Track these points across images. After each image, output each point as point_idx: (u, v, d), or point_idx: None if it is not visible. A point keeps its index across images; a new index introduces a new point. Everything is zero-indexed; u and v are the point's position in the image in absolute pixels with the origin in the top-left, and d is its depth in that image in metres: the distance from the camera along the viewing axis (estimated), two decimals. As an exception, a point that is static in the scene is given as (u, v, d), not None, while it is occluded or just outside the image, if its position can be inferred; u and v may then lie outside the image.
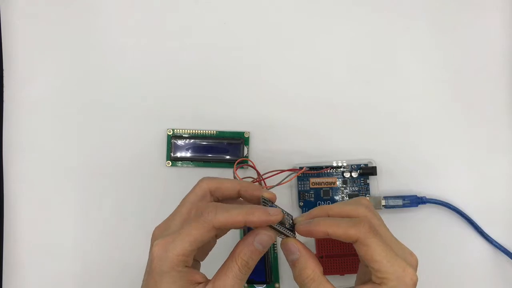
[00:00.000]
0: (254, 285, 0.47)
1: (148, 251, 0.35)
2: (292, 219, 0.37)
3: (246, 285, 0.47)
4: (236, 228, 0.35)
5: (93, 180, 0.50)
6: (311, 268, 0.35)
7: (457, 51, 0.49)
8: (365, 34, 0.50)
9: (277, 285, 0.47)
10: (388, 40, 0.50)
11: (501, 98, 0.49)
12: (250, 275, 0.47)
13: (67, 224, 0.49)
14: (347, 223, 0.34)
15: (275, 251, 0.47)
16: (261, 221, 0.34)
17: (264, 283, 0.47)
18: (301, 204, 0.48)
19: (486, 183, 0.48)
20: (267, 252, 0.46)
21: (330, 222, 0.35)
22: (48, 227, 0.49)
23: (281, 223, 0.35)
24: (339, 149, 0.49)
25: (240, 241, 0.35)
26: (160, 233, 0.36)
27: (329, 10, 0.50)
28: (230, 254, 0.35)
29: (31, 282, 0.49)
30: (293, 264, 0.36)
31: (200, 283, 0.34)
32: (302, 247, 0.35)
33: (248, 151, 0.48)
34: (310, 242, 0.47)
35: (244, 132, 0.48)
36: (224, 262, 0.35)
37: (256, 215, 0.34)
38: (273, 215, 0.34)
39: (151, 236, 0.36)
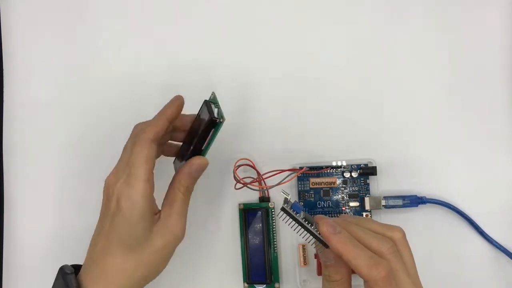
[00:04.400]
0: (254, 285, 0.47)
1: None
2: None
3: (246, 285, 0.47)
4: (164, 132, 0.39)
5: (93, 180, 0.49)
6: (340, 274, 0.36)
7: (457, 51, 0.49)
8: (365, 34, 0.50)
9: (277, 285, 0.47)
10: (388, 40, 0.50)
11: (502, 98, 0.49)
12: (251, 275, 0.47)
13: (67, 225, 0.49)
14: (367, 259, 0.33)
15: (275, 251, 0.47)
16: (175, 108, 0.40)
17: (264, 283, 0.47)
18: (301, 204, 0.48)
19: (486, 183, 0.48)
20: (267, 252, 0.47)
21: (351, 247, 0.34)
22: (48, 227, 0.49)
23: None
24: (339, 149, 0.49)
25: (176, 172, 0.40)
26: (115, 178, 0.38)
27: (328, 11, 0.50)
28: (170, 185, 0.40)
29: (31, 282, 0.49)
30: (325, 265, 0.37)
31: (156, 214, 0.39)
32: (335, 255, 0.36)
33: (218, 112, 0.40)
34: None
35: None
36: (168, 193, 0.40)
37: (170, 104, 0.40)
38: (177, 99, 0.40)
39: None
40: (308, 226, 0.36)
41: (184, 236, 0.39)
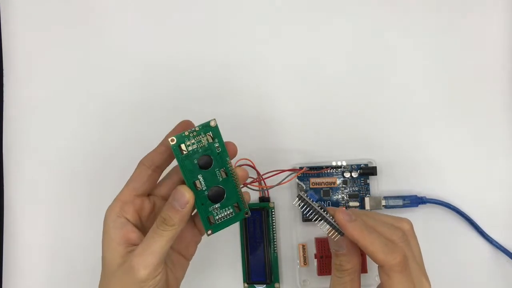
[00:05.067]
0: (254, 285, 0.47)
1: None
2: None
3: (246, 285, 0.47)
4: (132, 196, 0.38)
5: (93, 181, 0.50)
6: (352, 263, 0.36)
7: (458, 51, 0.49)
8: (365, 34, 0.50)
9: (277, 285, 0.47)
10: (388, 40, 0.50)
11: (502, 98, 0.49)
12: (251, 275, 0.47)
13: (67, 224, 0.49)
14: (383, 245, 0.34)
15: (275, 251, 0.47)
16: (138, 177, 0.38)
17: (264, 283, 0.47)
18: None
19: (486, 183, 0.48)
20: (267, 252, 0.46)
21: (367, 234, 0.34)
22: (48, 227, 0.49)
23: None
24: (339, 149, 0.49)
25: None
26: None
27: (328, 11, 0.50)
28: None
29: (31, 282, 0.49)
30: (336, 254, 0.37)
31: (136, 245, 0.36)
32: (349, 243, 0.36)
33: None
34: (311, 242, 0.47)
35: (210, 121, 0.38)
36: None
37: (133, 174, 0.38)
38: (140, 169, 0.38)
39: None
40: (324, 214, 0.36)
41: (152, 278, 0.34)
